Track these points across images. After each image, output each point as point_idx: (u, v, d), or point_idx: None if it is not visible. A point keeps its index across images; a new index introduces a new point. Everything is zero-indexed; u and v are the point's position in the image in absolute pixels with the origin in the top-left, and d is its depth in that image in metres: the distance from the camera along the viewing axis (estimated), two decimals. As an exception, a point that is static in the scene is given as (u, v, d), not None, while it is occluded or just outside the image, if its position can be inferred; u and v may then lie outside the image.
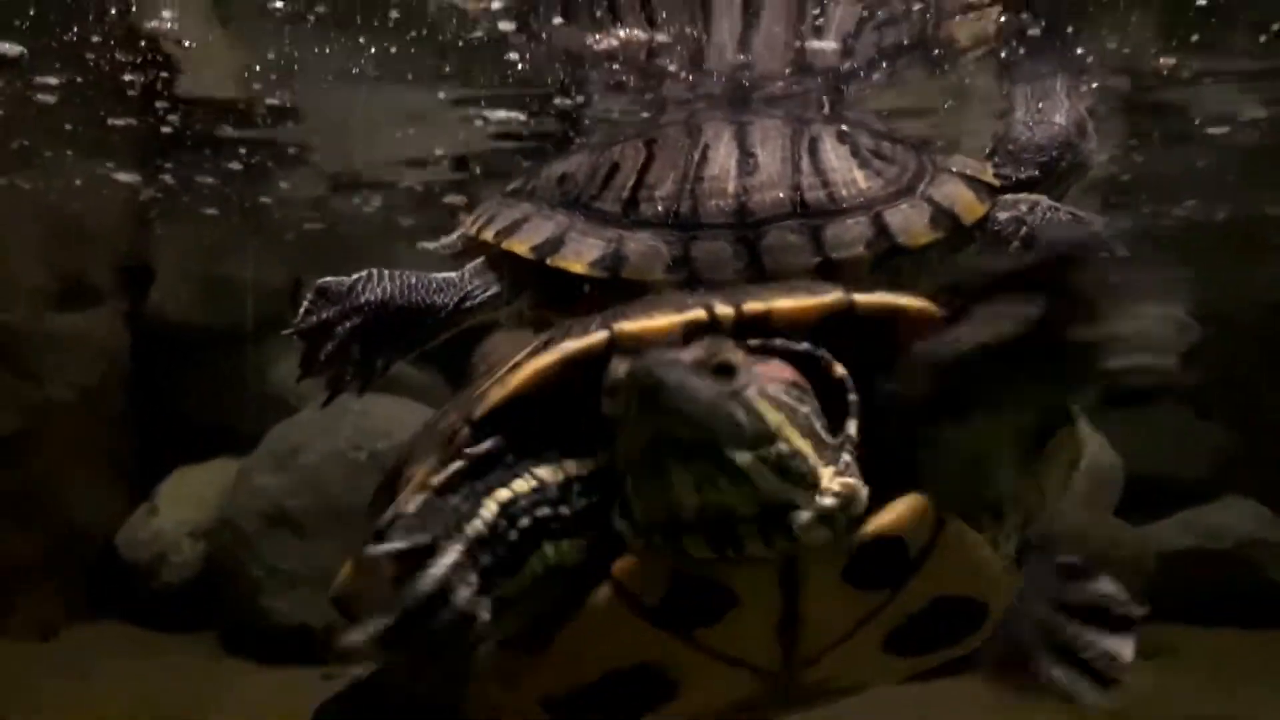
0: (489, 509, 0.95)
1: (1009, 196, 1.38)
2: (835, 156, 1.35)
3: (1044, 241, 1.30)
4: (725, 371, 0.92)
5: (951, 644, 1.09)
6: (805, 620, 0.98)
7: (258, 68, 2.95)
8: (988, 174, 1.40)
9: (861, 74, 2.06)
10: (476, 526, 0.94)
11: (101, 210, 4.21)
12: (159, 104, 3.10)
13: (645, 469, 0.91)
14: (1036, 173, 1.42)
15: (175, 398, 4.42)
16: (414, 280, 1.39)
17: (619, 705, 1.03)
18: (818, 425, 0.96)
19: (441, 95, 2.88)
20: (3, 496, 3.82)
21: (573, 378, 1.02)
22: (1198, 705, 3.17)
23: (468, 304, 1.39)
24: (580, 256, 1.32)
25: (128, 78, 2.76)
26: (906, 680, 1.17)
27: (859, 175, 1.33)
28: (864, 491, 0.96)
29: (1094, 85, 2.37)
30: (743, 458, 0.90)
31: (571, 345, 1.03)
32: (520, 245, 1.36)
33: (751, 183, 1.32)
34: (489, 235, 1.39)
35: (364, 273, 1.37)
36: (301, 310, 1.34)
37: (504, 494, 0.96)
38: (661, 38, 1.97)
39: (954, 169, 1.38)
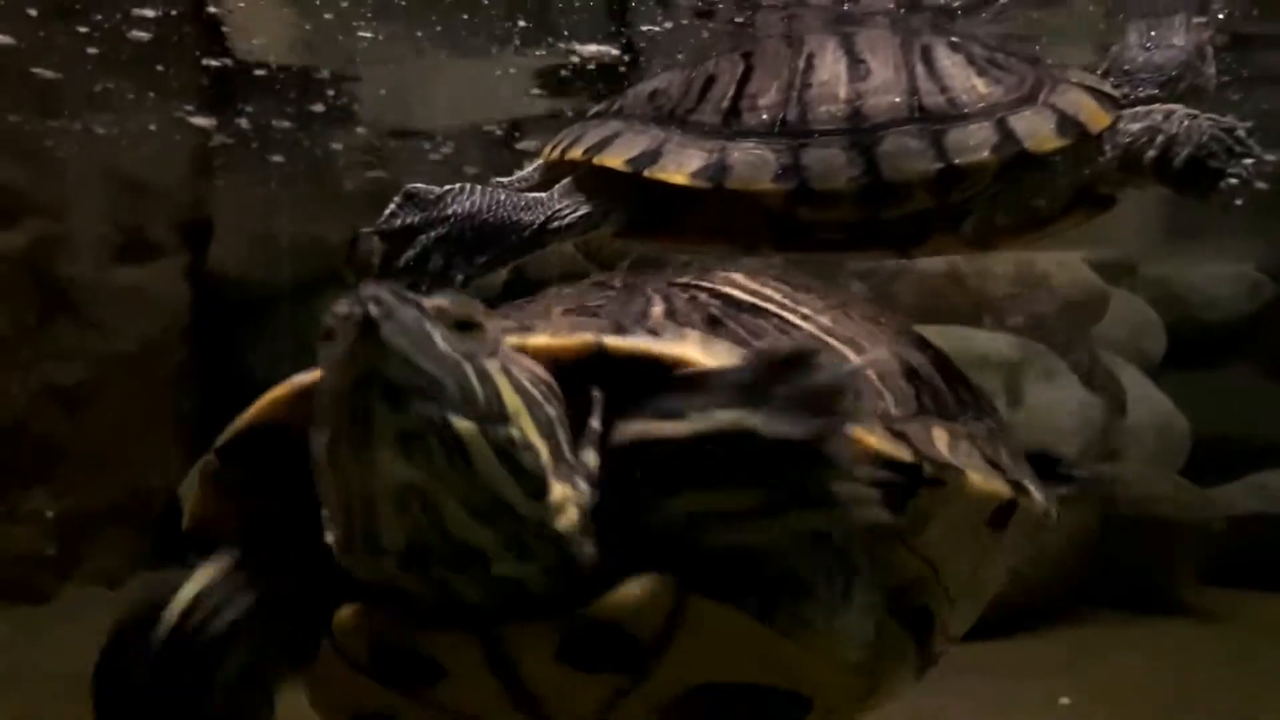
0: None
1: (1139, 108, 1.31)
2: (951, 63, 1.29)
3: (1187, 149, 1.24)
4: (468, 329, 0.79)
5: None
6: (536, 694, 0.86)
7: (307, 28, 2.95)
8: (1108, 86, 1.34)
9: (968, 10, 1.98)
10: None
11: (164, 163, 4.22)
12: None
13: (343, 423, 0.75)
14: (1156, 91, 1.35)
15: (235, 351, 4.44)
16: (503, 197, 1.35)
17: None
18: (560, 435, 0.82)
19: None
20: (69, 447, 3.88)
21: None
22: (1261, 671, 3.10)
23: (554, 224, 1.33)
24: (681, 167, 1.27)
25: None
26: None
27: (978, 81, 1.27)
28: (587, 543, 0.81)
29: (1217, 16, 2.28)
30: (464, 424, 0.76)
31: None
32: (614, 159, 1.30)
33: (864, 88, 1.26)
34: (577, 153, 1.34)
35: (455, 185, 1.33)
36: (387, 212, 1.31)
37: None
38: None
39: (1074, 79, 1.32)
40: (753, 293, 1.09)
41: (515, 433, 0.78)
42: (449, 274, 1.32)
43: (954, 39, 1.34)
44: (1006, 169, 1.23)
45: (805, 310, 1.07)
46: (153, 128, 4.04)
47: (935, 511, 0.92)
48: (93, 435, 3.91)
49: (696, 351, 0.86)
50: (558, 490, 0.80)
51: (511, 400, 0.79)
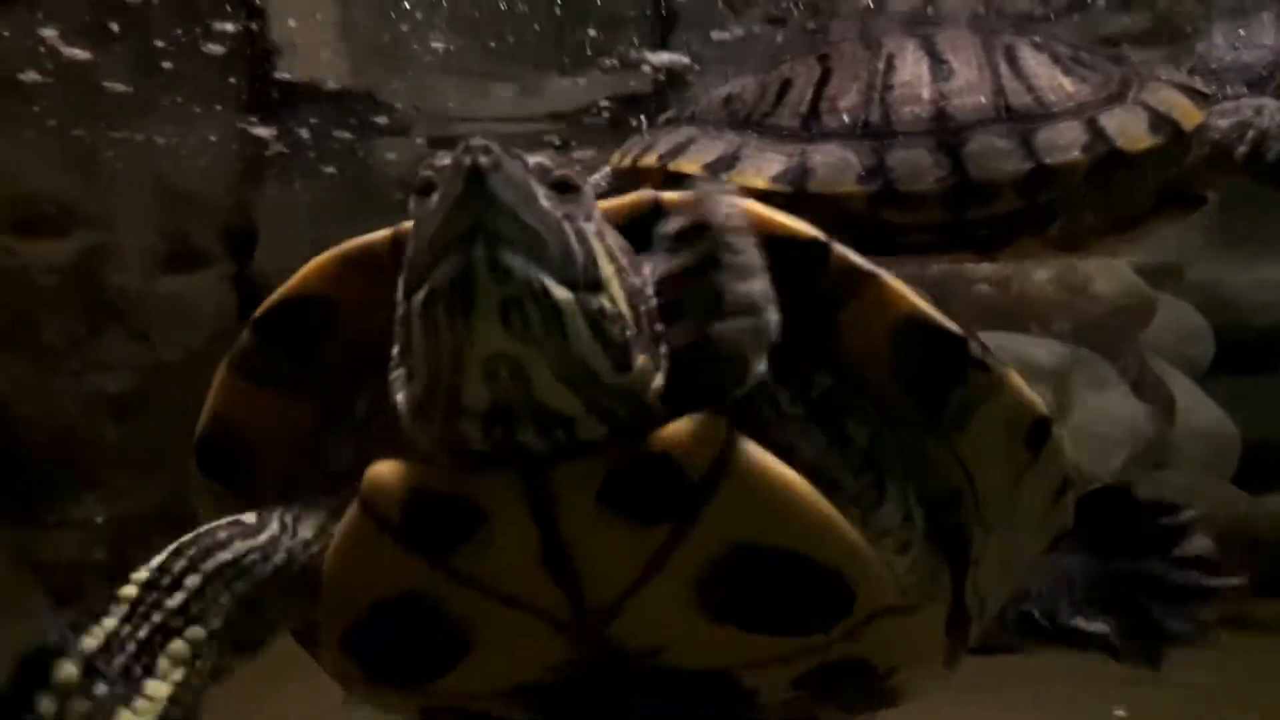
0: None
1: (1227, 104, 1.29)
2: (1035, 62, 1.27)
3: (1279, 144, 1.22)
4: (567, 190, 0.78)
5: (804, 619, 0.87)
6: (574, 553, 0.81)
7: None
8: (1197, 83, 1.32)
9: (1053, 18, 1.95)
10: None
11: (210, 173, 4.26)
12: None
13: (443, 281, 0.72)
14: (1244, 90, 1.33)
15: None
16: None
17: (416, 650, 0.88)
18: (642, 304, 0.81)
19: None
20: (118, 454, 3.91)
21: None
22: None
23: None
24: (760, 171, 1.26)
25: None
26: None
27: (1065, 80, 1.25)
28: (660, 405, 0.79)
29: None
30: (562, 293, 0.74)
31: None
32: (690, 164, 1.29)
33: (948, 87, 1.25)
34: (650, 160, 1.33)
35: None
36: None
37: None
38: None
39: (1163, 76, 1.30)
40: None
41: (607, 303, 0.77)
42: None
43: (1036, 38, 1.33)
44: (1097, 169, 1.21)
45: None
46: (201, 138, 4.09)
47: (974, 406, 0.89)
48: (140, 443, 3.94)
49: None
50: (641, 360, 0.78)
51: (605, 268, 0.77)
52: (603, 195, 1.48)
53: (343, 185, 4.63)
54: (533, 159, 0.76)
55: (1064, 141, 1.20)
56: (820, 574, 0.83)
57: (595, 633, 0.85)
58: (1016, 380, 0.91)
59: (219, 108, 3.78)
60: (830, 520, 0.82)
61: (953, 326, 0.87)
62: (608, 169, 1.44)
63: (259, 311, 0.91)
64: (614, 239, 0.81)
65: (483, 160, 0.71)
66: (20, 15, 2.91)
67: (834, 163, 1.25)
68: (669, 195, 0.88)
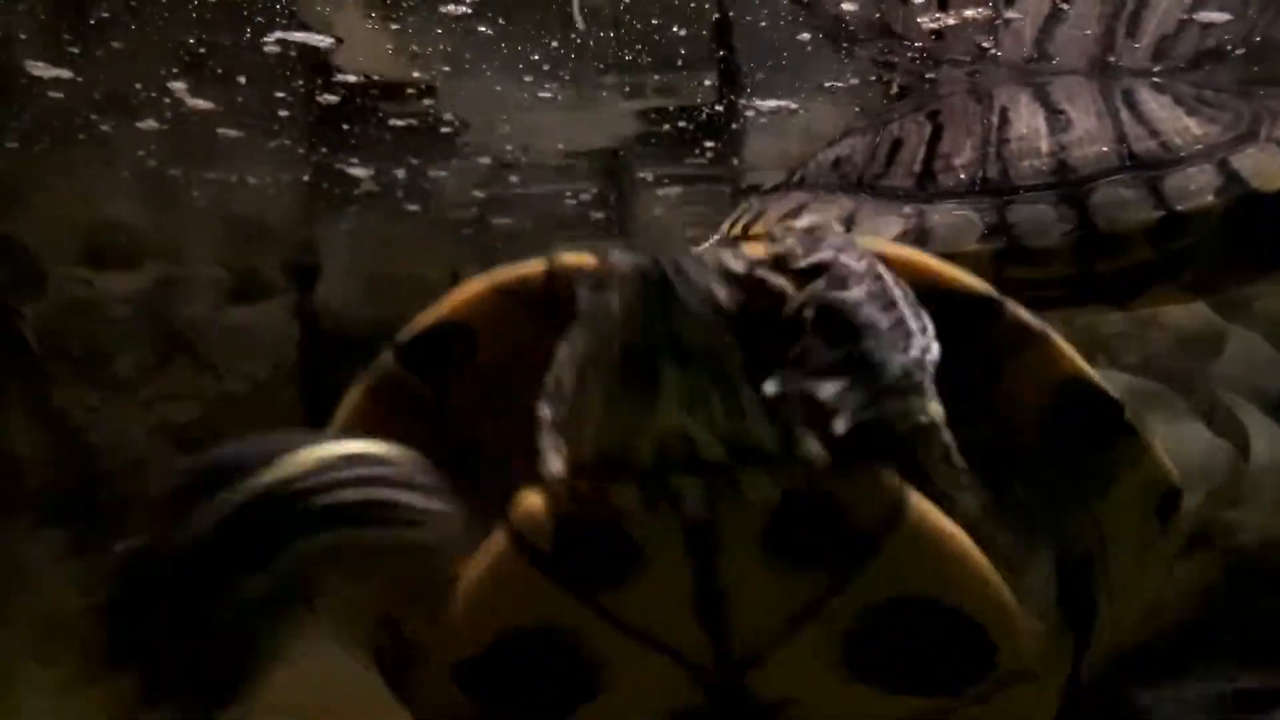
0: None
1: None
2: (1157, 105, 1.25)
3: None
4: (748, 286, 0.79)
5: (943, 679, 0.86)
6: (728, 597, 0.81)
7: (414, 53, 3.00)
8: None
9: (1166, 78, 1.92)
10: None
11: (273, 203, 4.32)
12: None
13: (624, 378, 0.76)
14: None
15: (341, 390, 4.50)
16: None
17: (536, 688, 0.87)
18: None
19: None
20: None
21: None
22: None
23: None
24: (878, 234, 1.25)
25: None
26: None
27: (1190, 122, 1.23)
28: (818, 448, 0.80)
29: None
30: (744, 386, 0.77)
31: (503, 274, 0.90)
32: None
33: (1068, 138, 1.23)
34: (761, 228, 1.33)
35: None
36: None
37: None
38: (951, 20, 1.87)
39: None
40: None
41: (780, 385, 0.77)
42: None
43: (1155, 79, 1.31)
44: (1232, 212, 1.18)
45: None
46: (267, 170, 4.15)
47: (1119, 472, 0.89)
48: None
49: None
50: (810, 443, 0.78)
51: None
52: None
53: (399, 214, 4.69)
54: (718, 256, 0.78)
55: (1195, 187, 1.18)
56: (969, 630, 0.83)
57: (731, 681, 0.84)
58: (1158, 449, 0.91)
59: (260, 134, 3.83)
60: (988, 580, 0.82)
61: (1112, 391, 0.87)
62: (716, 239, 1.43)
63: (406, 335, 0.91)
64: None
65: (668, 269, 0.74)
66: (152, 66, 2.99)
67: (954, 222, 1.24)
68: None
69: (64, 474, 3.81)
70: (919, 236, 1.23)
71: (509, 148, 4.08)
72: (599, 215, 4.80)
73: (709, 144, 3.67)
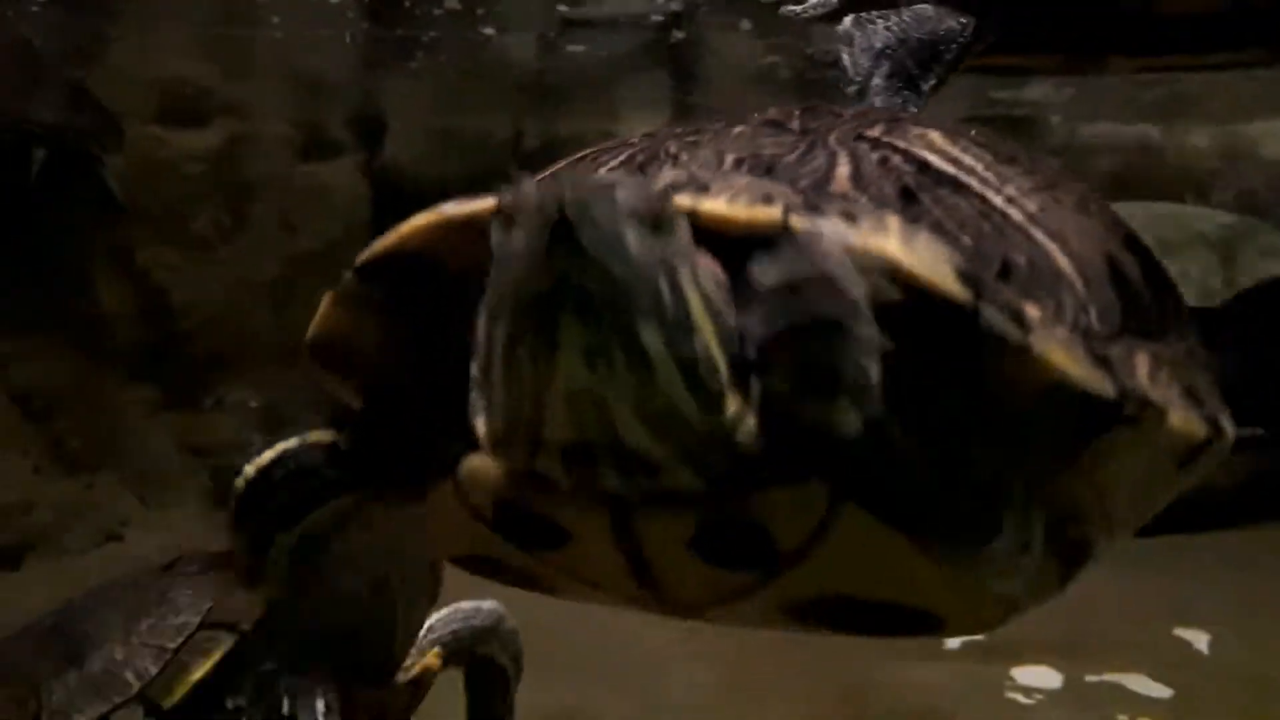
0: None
1: None
2: None
3: None
4: (661, 230, 0.71)
5: (892, 631, 0.87)
6: (659, 579, 0.82)
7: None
8: None
9: None
10: None
11: (337, 61, 4.27)
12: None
13: (527, 325, 0.70)
14: None
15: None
16: (908, 18, 1.22)
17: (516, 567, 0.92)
18: (737, 343, 0.74)
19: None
20: (268, 341, 4.02)
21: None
22: None
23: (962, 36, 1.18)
24: None
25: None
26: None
27: None
28: (755, 446, 0.74)
29: None
30: (652, 339, 0.70)
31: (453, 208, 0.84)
32: None
33: None
34: None
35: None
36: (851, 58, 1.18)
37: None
38: None
39: None
40: (952, 160, 0.93)
41: (699, 347, 0.72)
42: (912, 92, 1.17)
43: None
44: None
45: (1011, 190, 0.91)
46: (321, 22, 4.08)
47: (1121, 448, 0.82)
48: (288, 329, 4.03)
49: (897, 248, 0.75)
50: (734, 404, 0.73)
51: (699, 313, 0.72)
52: (832, 14, 1.38)
53: (463, 70, 4.61)
54: (623, 194, 0.69)
55: None
56: (910, 613, 0.84)
57: (680, 604, 0.88)
58: (1174, 419, 0.83)
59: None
60: (925, 575, 0.79)
61: (1109, 391, 0.78)
62: None
63: (359, 259, 0.92)
64: (709, 277, 0.74)
65: (570, 211, 0.66)
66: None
67: None
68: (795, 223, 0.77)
69: (150, 331, 3.90)
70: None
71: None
72: (662, 65, 4.68)
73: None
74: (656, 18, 4.13)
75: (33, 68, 3.30)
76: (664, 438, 0.73)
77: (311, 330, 0.96)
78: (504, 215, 0.71)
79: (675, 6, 4.00)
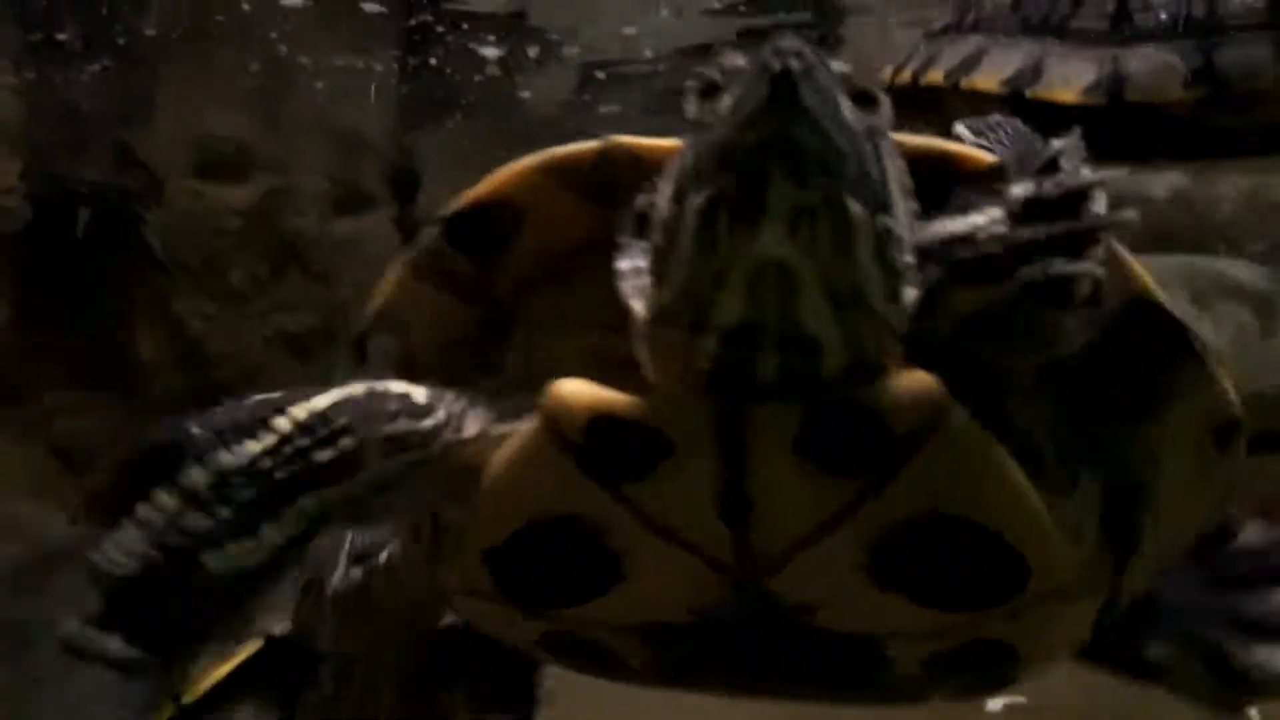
0: None
1: None
2: None
3: None
4: (868, 104, 0.71)
5: (972, 595, 0.83)
6: (754, 498, 0.76)
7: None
8: None
9: None
10: None
11: (372, 114, 4.34)
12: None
13: (731, 187, 0.68)
14: None
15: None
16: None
17: (563, 573, 0.84)
18: (915, 233, 0.76)
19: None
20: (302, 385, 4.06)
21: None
22: None
23: None
24: (1069, 84, 1.20)
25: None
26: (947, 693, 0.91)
27: None
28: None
29: None
30: (857, 208, 0.68)
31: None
32: (986, 80, 1.23)
33: None
34: (935, 76, 1.27)
35: None
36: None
37: None
38: None
39: None
40: None
41: (894, 224, 0.71)
42: None
43: None
44: None
45: None
46: (363, 80, 4.15)
47: (1180, 397, 0.84)
48: (324, 379, 4.08)
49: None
50: (909, 293, 0.73)
51: (895, 189, 0.72)
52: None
53: (494, 122, 4.68)
54: (836, 65, 0.69)
55: None
56: (1002, 551, 0.79)
57: (755, 581, 0.81)
58: (1223, 378, 0.86)
59: (354, 45, 3.82)
60: (1026, 501, 0.78)
61: (1177, 312, 0.82)
62: (881, 85, 1.38)
63: (449, 211, 0.87)
64: (900, 164, 0.75)
65: (794, 65, 0.65)
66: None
67: (1154, 67, 1.18)
68: (972, 156, 0.80)
69: (187, 381, 3.94)
70: (1114, 83, 1.17)
71: (597, 56, 4.03)
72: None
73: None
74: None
75: (80, 130, 3.38)
76: (841, 317, 0.71)
77: (373, 311, 0.92)
78: (706, 83, 0.70)
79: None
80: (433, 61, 3.94)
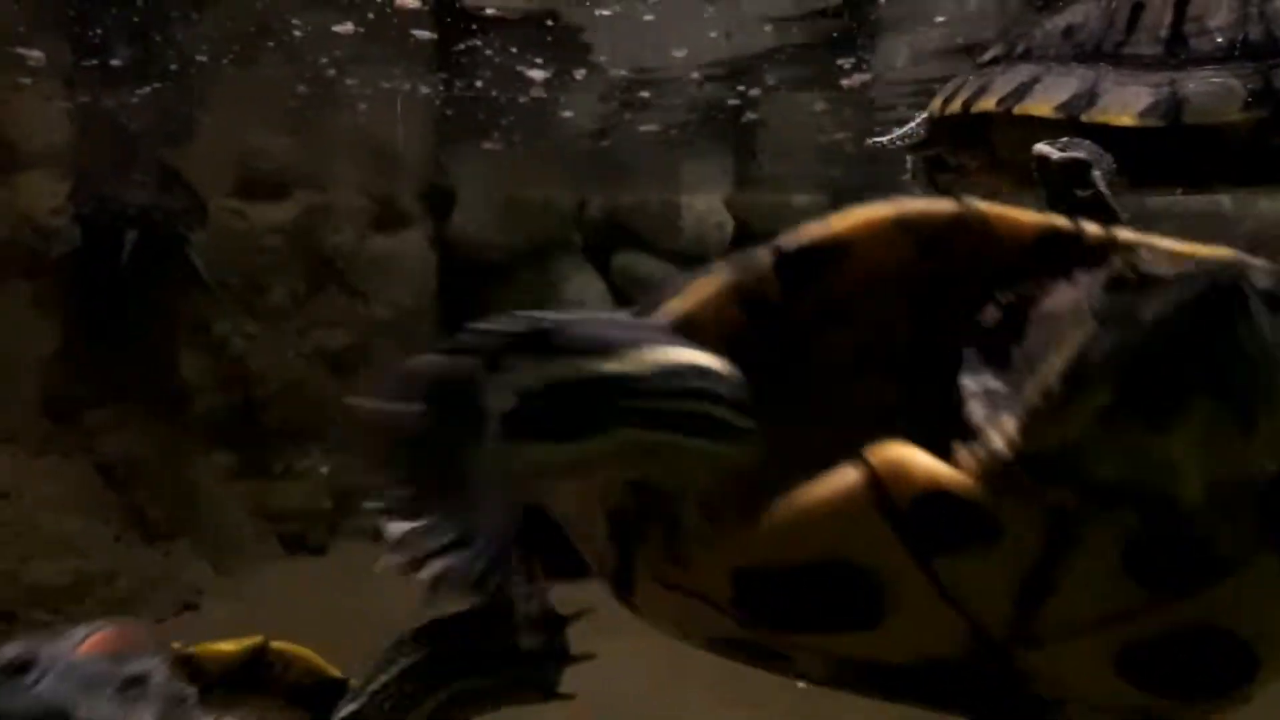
0: None
1: None
2: None
3: None
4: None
5: (1202, 687, 0.84)
6: (1059, 588, 0.77)
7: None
8: None
9: None
10: None
11: (408, 133, 4.37)
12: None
13: (1135, 397, 0.67)
14: None
15: (479, 314, 4.57)
16: None
17: (813, 609, 0.84)
18: None
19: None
20: (339, 408, 4.08)
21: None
22: None
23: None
24: (1126, 107, 1.17)
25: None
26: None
27: None
28: None
29: None
30: (1265, 415, 0.67)
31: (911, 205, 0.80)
32: (1041, 106, 1.21)
33: None
34: (989, 104, 1.25)
35: None
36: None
37: None
38: None
39: None
40: None
41: None
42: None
43: None
44: None
45: None
46: (395, 97, 4.18)
47: None
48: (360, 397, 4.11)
49: None
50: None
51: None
52: (918, 146, 1.43)
53: (529, 139, 4.70)
54: (1265, 279, 0.68)
55: None
56: (1243, 652, 0.81)
57: (1006, 650, 0.82)
58: None
59: (389, 63, 3.84)
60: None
61: None
62: (924, 116, 1.37)
63: (791, 244, 0.83)
64: None
65: (1231, 299, 0.65)
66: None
67: (1212, 90, 1.16)
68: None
69: (227, 399, 3.98)
70: (1172, 106, 1.16)
71: (632, 69, 4.03)
72: (724, 137, 4.74)
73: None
74: (733, 102, 4.17)
75: (128, 153, 3.43)
76: (1218, 498, 0.71)
77: (686, 306, 0.84)
78: (1129, 276, 0.69)
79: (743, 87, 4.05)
80: (478, 84, 3.95)
